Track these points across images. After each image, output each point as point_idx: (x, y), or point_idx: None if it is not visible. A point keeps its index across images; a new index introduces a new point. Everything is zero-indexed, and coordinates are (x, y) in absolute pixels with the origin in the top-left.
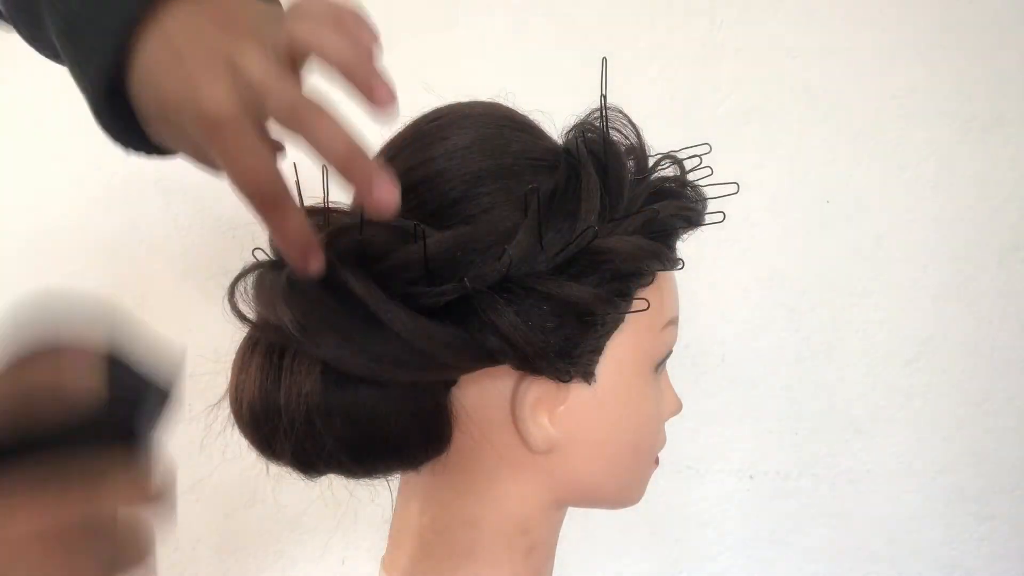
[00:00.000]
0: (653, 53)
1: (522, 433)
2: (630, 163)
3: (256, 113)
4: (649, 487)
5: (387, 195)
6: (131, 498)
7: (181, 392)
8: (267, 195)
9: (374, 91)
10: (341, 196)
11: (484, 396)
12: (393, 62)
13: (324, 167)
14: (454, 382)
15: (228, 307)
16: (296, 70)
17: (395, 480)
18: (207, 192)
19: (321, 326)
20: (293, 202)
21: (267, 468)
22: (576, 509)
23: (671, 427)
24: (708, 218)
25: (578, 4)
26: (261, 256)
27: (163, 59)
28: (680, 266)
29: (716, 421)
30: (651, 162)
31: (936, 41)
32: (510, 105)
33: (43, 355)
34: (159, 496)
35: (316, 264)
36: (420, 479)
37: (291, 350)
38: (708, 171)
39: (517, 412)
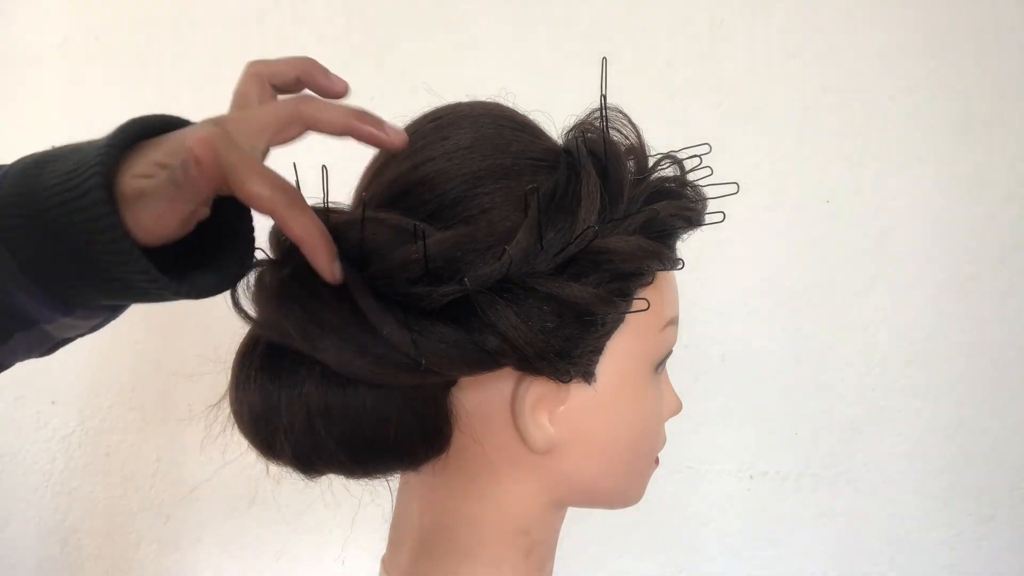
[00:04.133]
0: (653, 53)
1: (522, 433)
2: (630, 163)
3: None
4: (649, 487)
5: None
6: None
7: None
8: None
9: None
10: (341, 196)
11: (484, 396)
12: (393, 62)
13: (323, 167)
14: (454, 382)
15: (231, 304)
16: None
17: (395, 480)
18: None
19: (321, 328)
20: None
21: (267, 468)
22: (576, 509)
23: (671, 427)
24: (708, 218)
25: (578, 4)
26: (261, 256)
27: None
28: (680, 266)
29: (716, 421)
30: (651, 162)
31: (935, 41)
32: (510, 105)
33: None
34: None
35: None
36: (420, 479)
37: (291, 350)
38: (708, 171)
39: (517, 412)
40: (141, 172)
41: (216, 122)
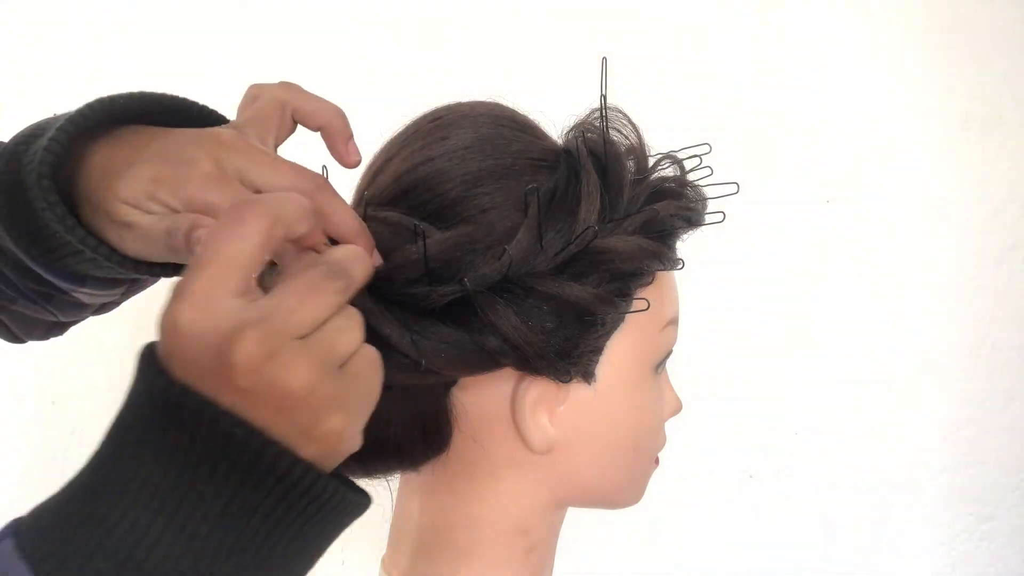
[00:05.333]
0: (653, 53)
1: (522, 433)
2: (630, 163)
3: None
4: (649, 487)
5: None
6: None
7: None
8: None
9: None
10: (342, 196)
11: (484, 396)
12: (394, 62)
13: (323, 167)
14: (454, 382)
15: None
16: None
17: (395, 480)
18: None
19: None
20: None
21: None
22: (576, 509)
23: (671, 427)
24: (708, 218)
25: (578, 5)
26: None
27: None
28: (680, 266)
29: (716, 421)
30: (651, 162)
31: (936, 41)
32: (510, 105)
33: None
34: None
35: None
36: (420, 479)
37: None
38: (708, 171)
39: (517, 412)
40: (133, 201)
41: (222, 156)
